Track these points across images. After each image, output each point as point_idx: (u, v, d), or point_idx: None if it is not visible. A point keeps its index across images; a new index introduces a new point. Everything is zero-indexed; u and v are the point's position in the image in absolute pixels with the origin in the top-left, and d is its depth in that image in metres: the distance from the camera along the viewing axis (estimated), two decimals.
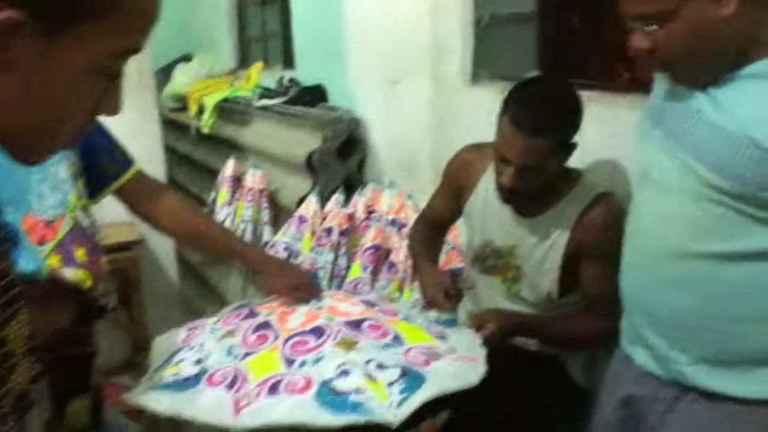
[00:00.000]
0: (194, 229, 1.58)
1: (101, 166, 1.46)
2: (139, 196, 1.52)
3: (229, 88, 3.82)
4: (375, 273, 2.40)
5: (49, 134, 0.63)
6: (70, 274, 1.25)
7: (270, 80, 3.47)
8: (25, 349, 0.65)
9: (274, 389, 1.16)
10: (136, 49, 0.63)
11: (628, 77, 1.91)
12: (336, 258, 2.55)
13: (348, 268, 2.52)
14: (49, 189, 1.30)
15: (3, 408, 0.58)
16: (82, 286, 1.23)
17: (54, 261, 1.27)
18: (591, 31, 2.05)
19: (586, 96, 1.52)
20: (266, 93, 3.28)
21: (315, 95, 3.08)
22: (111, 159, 1.48)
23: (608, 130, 1.62)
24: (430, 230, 1.88)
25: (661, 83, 1.25)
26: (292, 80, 3.23)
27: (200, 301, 3.66)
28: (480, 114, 1.79)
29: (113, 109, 0.65)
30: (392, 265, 2.35)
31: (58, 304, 1.09)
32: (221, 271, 3.54)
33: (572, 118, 1.48)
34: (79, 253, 1.31)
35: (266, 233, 3.08)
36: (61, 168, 1.33)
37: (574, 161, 1.57)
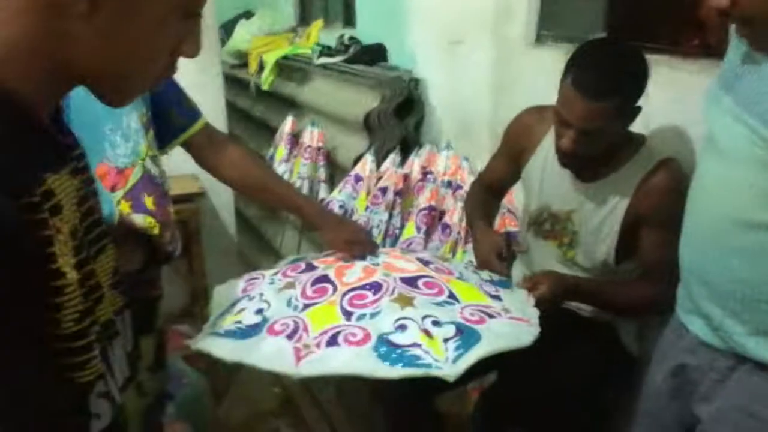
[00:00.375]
0: (257, 182, 1.61)
1: (170, 118, 1.50)
2: (206, 148, 1.56)
3: (289, 46, 3.83)
4: (428, 234, 2.42)
5: (134, 76, 0.66)
6: (140, 220, 1.30)
7: (330, 38, 3.47)
8: (110, 283, 0.69)
9: (333, 340, 1.18)
10: None
11: (697, 42, 1.85)
12: (390, 217, 2.57)
13: (402, 228, 2.54)
14: (122, 138, 1.35)
15: (90, 336, 0.62)
16: (150, 232, 1.29)
17: (124, 207, 1.33)
18: None
19: (653, 60, 1.47)
20: (326, 51, 3.28)
21: (375, 54, 3.07)
22: (180, 111, 1.52)
23: (674, 95, 1.58)
24: (487, 192, 1.88)
25: (736, 49, 1.21)
26: (352, 39, 3.23)
27: (255, 254, 3.75)
28: (543, 76, 1.76)
29: (193, 50, 0.68)
30: (446, 227, 2.37)
31: (130, 248, 1.15)
32: (276, 225, 3.61)
33: (636, 81, 1.44)
34: (148, 201, 1.36)
35: (322, 191, 3.13)
36: (132, 118, 1.38)
37: (639, 126, 1.54)
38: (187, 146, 1.56)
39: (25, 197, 0.56)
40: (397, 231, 2.55)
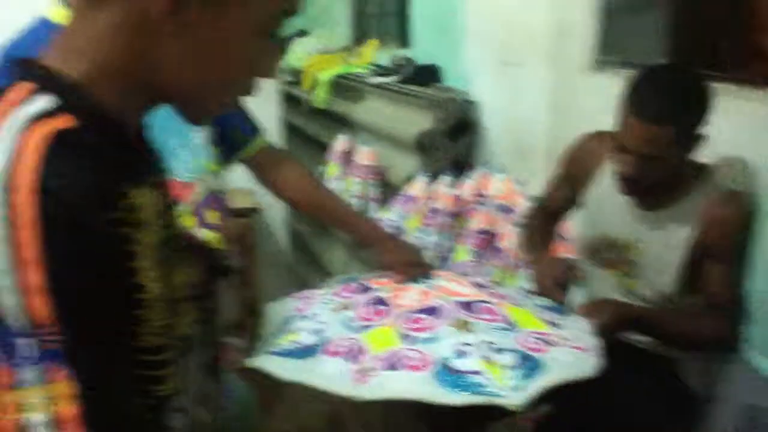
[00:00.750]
0: (313, 200, 1.62)
1: (233, 134, 1.52)
2: (265, 165, 1.58)
3: (343, 64, 3.87)
4: (481, 257, 2.40)
5: (216, 94, 0.68)
6: (203, 235, 1.32)
7: (385, 58, 3.49)
8: (187, 296, 0.70)
9: (392, 364, 1.17)
10: (292, 11, 0.67)
11: (763, 70, 1.80)
12: (442, 240, 2.56)
13: (454, 251, 2.52)
14: (187, 153, 1.38)
15: (170, 350, 0.63)
16: (213, 246, 1.30)
17: (189, 222, 1.35)
18: (724, 21, 1.95)
19: (717, 88, 1.44)
20: (380, 70, 3.30)
21: (429, 75, 3.07)
22: (242, 127, 1.54)
23: (739, 124, 1.53)
24: (545, 218, 1.86)
25: None
26: (406, 58, 3.24)
27: (305, 270, 3.77)
28: (602, 102, 1.73)
29: (271, 72, 0.69)
30: (499, 251, 2.34)
31: (193, 262, 1.17)
32: (326, 242, 3.63)
33: (697, 107, 1.41)
34: (213, 217, 1.38)
35: (374, 210, 3.13)
36: (198, 134, 1.40)
37: (704, 155, 1.50)
38: (247, 162, 1.58)
39: (110, 211, 0.58)
40: (448, 254, 2.53)
